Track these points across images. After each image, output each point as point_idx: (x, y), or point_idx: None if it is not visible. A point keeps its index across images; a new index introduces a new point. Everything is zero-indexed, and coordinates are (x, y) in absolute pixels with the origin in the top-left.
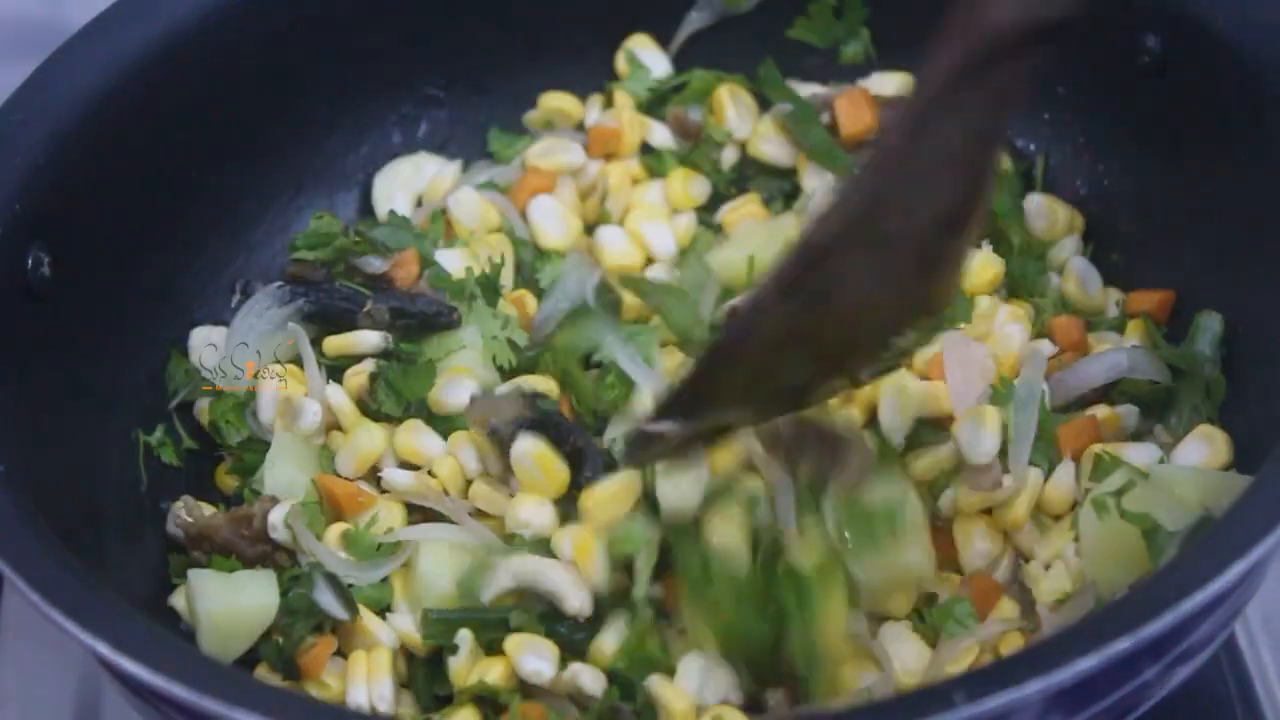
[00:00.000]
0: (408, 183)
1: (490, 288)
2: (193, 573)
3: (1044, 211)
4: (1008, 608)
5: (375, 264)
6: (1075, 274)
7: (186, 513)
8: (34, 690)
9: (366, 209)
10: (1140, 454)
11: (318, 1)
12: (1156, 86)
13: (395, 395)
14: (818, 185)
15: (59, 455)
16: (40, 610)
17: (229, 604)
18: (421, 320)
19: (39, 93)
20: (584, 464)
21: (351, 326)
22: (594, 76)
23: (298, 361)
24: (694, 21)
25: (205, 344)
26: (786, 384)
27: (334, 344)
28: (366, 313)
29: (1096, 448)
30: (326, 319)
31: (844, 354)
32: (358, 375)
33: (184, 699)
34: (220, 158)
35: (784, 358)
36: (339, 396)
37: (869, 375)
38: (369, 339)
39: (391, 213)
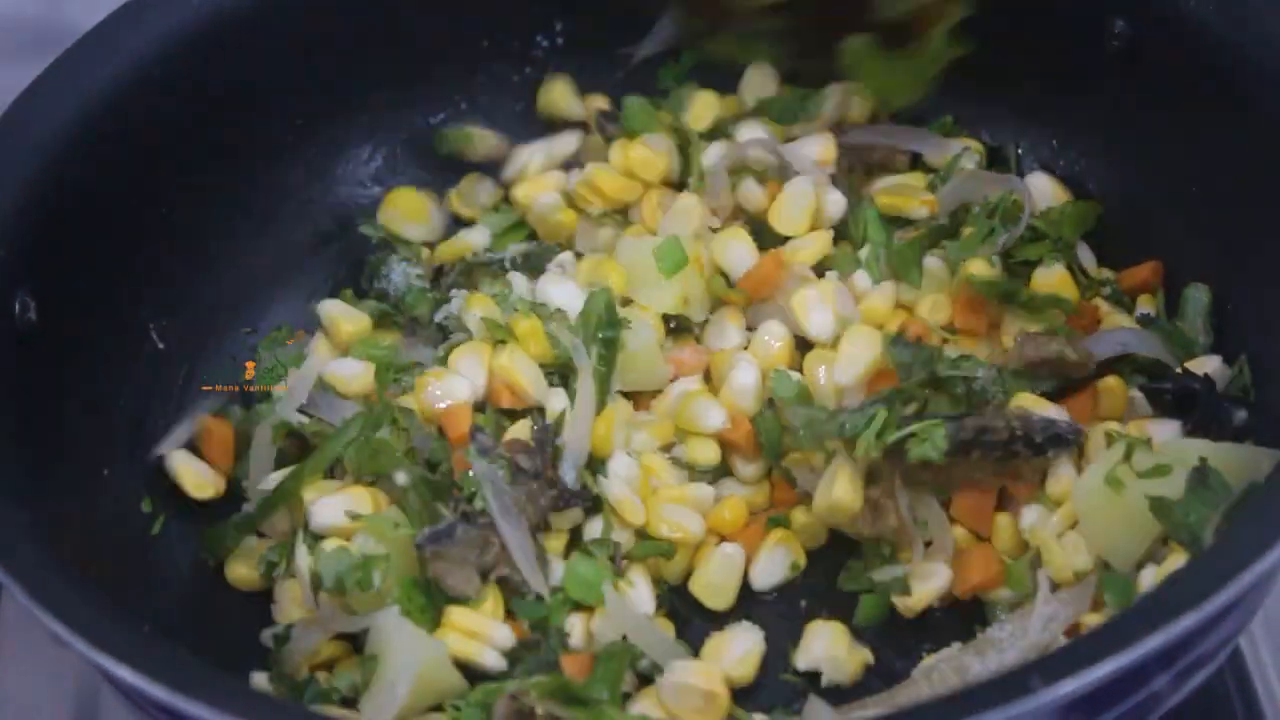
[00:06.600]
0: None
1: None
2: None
3: (1047, 193)
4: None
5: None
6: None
7: None
8: (32, 693)
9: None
10: (1161, 430)
11: (317, 20)
12: (1127, 69)
13: None
14: None
15: (57, 503)
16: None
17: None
18: None
19: (15, 136)
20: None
21: None
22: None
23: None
24: (645, 48)
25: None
26: None
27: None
28: None
29: (1104, 426)
30: None
31: None
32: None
33: (181, 707)
34: (201, 200)
35: None
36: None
37: None
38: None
39: None
